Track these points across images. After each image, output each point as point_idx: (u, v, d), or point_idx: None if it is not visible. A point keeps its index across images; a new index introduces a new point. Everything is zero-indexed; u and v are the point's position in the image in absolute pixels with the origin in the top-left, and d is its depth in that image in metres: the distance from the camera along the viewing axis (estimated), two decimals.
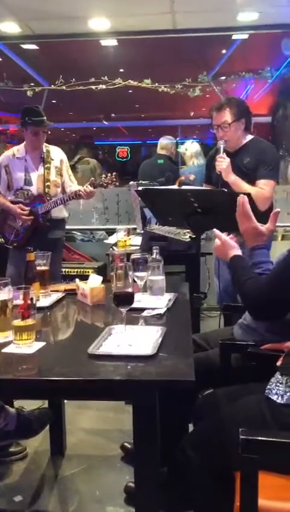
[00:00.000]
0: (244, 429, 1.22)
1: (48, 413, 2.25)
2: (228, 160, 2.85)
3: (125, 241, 3.52)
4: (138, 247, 3.37)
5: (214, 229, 2.04)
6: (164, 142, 5.06)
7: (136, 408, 1.35)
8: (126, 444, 2.40)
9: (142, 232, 3.59)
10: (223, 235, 1.97)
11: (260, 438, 1.21)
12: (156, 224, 3.46)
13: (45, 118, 3.41)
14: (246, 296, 1.75)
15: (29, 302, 1.52)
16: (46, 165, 3.48)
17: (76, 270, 4.35)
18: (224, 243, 1.94)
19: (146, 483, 1.38)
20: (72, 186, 3.55)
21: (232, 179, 2.83)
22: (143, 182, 3.93)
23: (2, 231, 3.63)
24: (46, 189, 3.45)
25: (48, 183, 3.47)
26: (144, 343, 1.51)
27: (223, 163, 2.84)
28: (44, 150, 3.51)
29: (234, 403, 1.58)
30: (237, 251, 1.88)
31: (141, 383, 1.29)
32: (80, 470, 2.30)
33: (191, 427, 1.92)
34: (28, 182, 3.48)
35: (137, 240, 3.55)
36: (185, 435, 1.87)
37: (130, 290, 1.54)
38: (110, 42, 5.03)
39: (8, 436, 2.07)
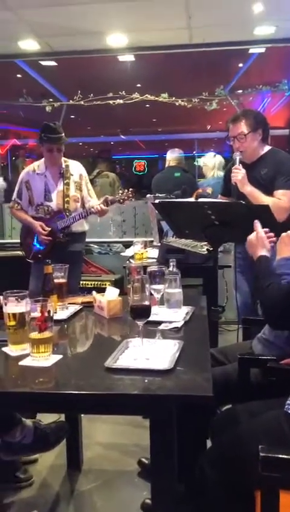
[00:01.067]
0: (263, 446, 1.19)
1: (64, 427, 2.23)
2: (243, 171, 2.84)
3: (142, 253, 3.52)
4: (155, 260, 3.37)
5: (256, 221, 1.95)
6: (174, 155, 5.06)
7: (153, 423, 1.33)
8: (143, 460, 2.37)
9: (159, 244, 3.58)
10: (261, 230, 1.89)
11: (280, 456, 1.18)
12: (173, 236, 3.45)
13: (62, 134, 3.45)
14: (265, 301, 1.72)
15: (46, 314, 1.51)
16: (66, 181, 3.52)
17: (93, 282, 4.36)
18: (259, 239, 1.88)
19: (163, 499, 1.36)
20: (91, 200, 3.59)
21: (248, 189, 2.82)
22: (160, 195, 3.94)
23: (24, 245, 3.68)
24: (66, 205, 3.49)
25: (68, 199, 3.51)
26: (161, 357, 1.50)
27: (238, 174, 2.83)
28: (63, 165, 3.55)
29: (253, 419, 1.55)
30: (266, 252, 1.84)
31: (158, 397, 1.27)
32: (96, 485, 2.27)
33: (209, 443, 1.88)
34: (47, 198, 3.53)
35: (154, 253, 3.55)
36: (203, 451, 1.84)
37: (147, 303, 1.53)
38: (128, 58, 5.09)
39: (24, 449, 2.06)
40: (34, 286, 3.42)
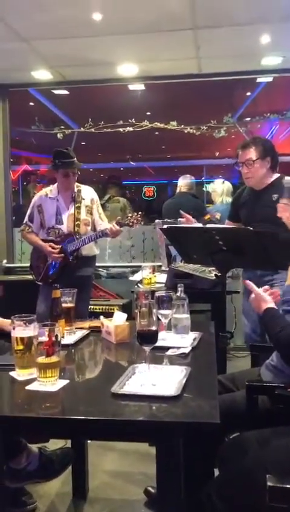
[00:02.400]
0: (271, 476, 1.17)
1: (70, 453, 2.21)
2: None
3: (150, 278, 3.53)
4: (163, 285, 3.37)
5: (247, 282, 2.01)
6: (185, 181, 5.12)
7: (160, 450, 1.31)
8: (149, 489, 2.32)
9: (167, 269, 3.59)
10: (256, 289, 1.93)
11: (289, 486, 1.16)
12: (181, 261, 3.46)
13: (75, 159, 3.53)
14: (281, 347, 1.71)
15: (54, 339, 1.52)
16: (77, 204, 3.58)
17: (101, 307, 4.36)
18: (256, 296, 1.92)
19: None
20: (102, 224, 3.63)
21: None
22: (168, 220, 3.96)
23: (34, 268, 3.71)
24: (76, 228, 3.53)
25: (78, 222, 3.55)
26: (168, 383, 1.49)
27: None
28: (75, 190, 3.61)
29: (262, 447, 1.52)
30: (269, 304, 1.85)
31: (164, 424, 1.26)
32: None
33: (216, 471, 1.84)
34: (59, 221, 3.58)
35: (162, 278, 3.55)
36: (210, 480, 1.80)
37: (153, 328, 1.54)
38: (138, 86, 5.20)
39: (29, 476, 2.03)
40: (41, 308, 3.44)
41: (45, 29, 3.64)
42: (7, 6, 3.26)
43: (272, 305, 1.84)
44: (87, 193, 3.67)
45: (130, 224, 3.48)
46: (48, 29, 3.64)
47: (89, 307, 4.12)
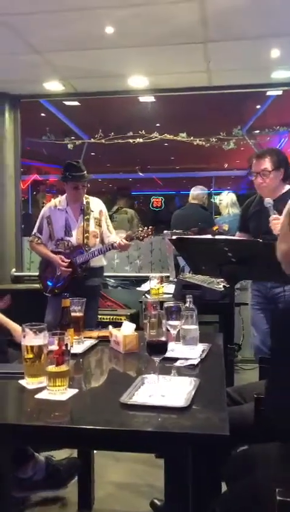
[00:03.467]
0: (281, 490, 1.16)
1: (76, 463, 2.20)
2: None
3: (158, 288, 3.53)
4: (171, 295, 3.37)
5: None
6: (196, 193, 5.15)
7: (168, 461, 1.31)
8: (156, 501, 2.30)
9: (175, 280, 3.60)
10: None
11: None
12: (189, 272, 3.46)
13: (85, 172, 3.56)
14: None
15: (64, 348, 1.53)
16: (86, 217, 3.60)
17: (109, 316, 4.36)
18: None
19: None
20: (110, 236, 3.65)
21: None
22: (177, 231, 3.98)
23: (42, 279, 3.73)
24: (85, 240, 3.56)
25: (87, 234, 3.57)
26: (177, 395, 1.49)
27: (278, 224, 2.83)
28: (84, 202, 3.63)
29: (270, 462, 1.51)
30: None
31: (173, 435, 1.26)
32: None
33: (223, 485, 1.83)
34: (68, 233, 3.60)
35: (170, 288, 3.56)
36: (217, 493, 1.79)
37: (163, 339, 1.54)
38: (148, 98, 5.25)
39: (36, 486, 2.04)
40: (49, 319, 3.44)
41: (59, 43, 3.69)
42: (22, 20, 3.32)
43: None
44: (96, 205, 3.69)
45: (140, 238, 3.49)
46: (62, 43, 3.70)
47: (97, 316, 4.13)
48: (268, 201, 2.83)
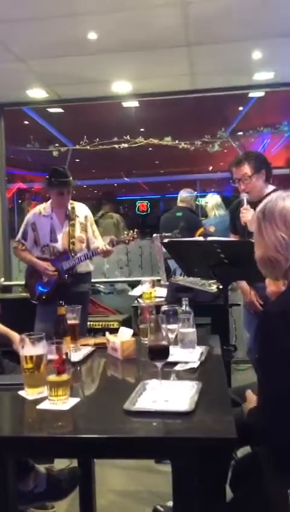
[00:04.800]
0: None
1: (77, 473, 2.17)
2: (252, 211, 2.88)
3: (150, 292, 3.51)
4: (163, 299, 3.36)
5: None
6: (183, 195, 5.18)
7: (176, 467, 1.30)
8: (158, 507, 2.28)
9: (166, 283, 3.59)
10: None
11: None
12: (180, 275, 3.46)
13: (70, 178, 3.54)
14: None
15: (64, 357, 1.51)
16: (71, 222, 3.58)
17: (101, 323, 4.34)
18: None
19: None
20: (96, 242, 3.63)
21: None
22: (166, 234, 3.98)
23: (28, 287, 3.69)
24: (71, 246, 3.53)
25: (73, 240, 3.55)
26: (180, 399, 1.47)
27: (247, 214, 2.87)
28: (69, 207, 3.61)
29: (276, 464, 1.50)
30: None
31: (182, 440, 1.25)
32: None
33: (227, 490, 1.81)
34: (53, 239, 3.57)
35: (162, 292, 3.54)
36: (222, 499, 1.77)
37: (164, 343, 1.53)
38: (132, 103, 5.26)
39: (38, 498, 2.00)
40: (40, 328, 3.40)
41: (41, 50, 3.68)
42: (4, 28, 3.30)
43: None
44: (81, 210, 3.67)
45: (126, 242, 3.50)
46: (44, 49, 3.68)
47: (89, 323, 4.10)
48: (243, 195, 2.92)
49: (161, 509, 2.27)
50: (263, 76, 4.42)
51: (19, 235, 3.70)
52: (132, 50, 3.79)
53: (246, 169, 2.94)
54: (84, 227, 3.62)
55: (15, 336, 2.24)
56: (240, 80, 4.56)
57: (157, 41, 3.62)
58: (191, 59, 4.00)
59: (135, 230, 3.56)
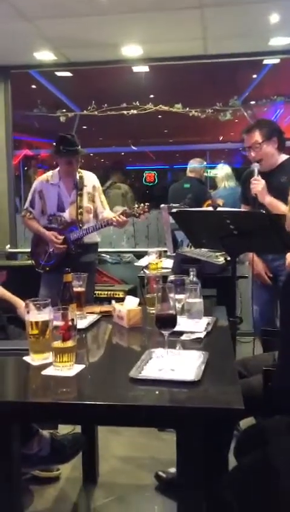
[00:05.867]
0: None
1: (81, 439, 2.20)
2: (263, 182, 2.82)
3: (156, 263, 3.48)
4: (170, 270, 3.34)
5: None
6: (193, 166, 5.08)
7: (181, 436, 1.29)
8: (160, 473, 2.32)
9: (173, 254, 3.55)
10: None
11: None
12: (187, 246, 3.42)
13: (79, 147, 3.44)
14: None
15: (70, 323, 1.49)
16: (79, 192, 3.50)
17: (106, 292, 4.33)
18: None
19: None
20: (104, 212, 3.56)
21: (268, 200, 2.80)
22: (174, 205, 3.91)
23: (34, 255, 3.66)
24: (79, 216, 3.47)
25: (81, 210, 3.48)
26: (186, 368, 1.46)
27: (258, 185, 2.81)
28: (77, 177, 3.53)
29: (282, 438, 1.49)
30: None
31: (188, 410, 1.23)
32: (113, 499, 2.22)
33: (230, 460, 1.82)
34: (60, 208, 3.51)
35: (168, 263, 3.51)
36: (224, 468, 1.78)
37: (172, 312, 1.50)
38: (142, 68, 5.10)
39: (42, 461, 2.03)
40: (44, 295, 3.39)
41: (49, 8, 3.53)
42: None
43: None
44: (89, 180, 3.58)
45: (137, 215, 3.41)
46: (52, 8, 3.53)
47: (94, 292, 4.10)
48: (254, 165, 2.86)
49: (163, 475, 2.30)
50: (280, 41, 4.24)
51: (27, 203, 3.64)
52: (143, 10, 3.62)
53: (257, 136, 2.88)
54: (92, 197, 3.55)
55: (19, 301, 2.23)
56: (255, 45, 4.38)
57: (169, 1, 3.46)
58: (205, 22, 3.84)
59: (146, 204, 3.46)
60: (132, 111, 4.93)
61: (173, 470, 2.28)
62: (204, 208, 3.12)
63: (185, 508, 1.32)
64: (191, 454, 1.28)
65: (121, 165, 6.95)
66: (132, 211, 3.41)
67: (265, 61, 5.04)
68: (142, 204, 3.44)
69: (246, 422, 2.05)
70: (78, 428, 2.34)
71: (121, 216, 3.39)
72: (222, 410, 1.22)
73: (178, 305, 1.95)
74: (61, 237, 3.44)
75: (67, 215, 3.49)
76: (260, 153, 2.89)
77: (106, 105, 4.95)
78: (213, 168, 6.26)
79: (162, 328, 1.49)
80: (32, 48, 4.36)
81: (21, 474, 1.50)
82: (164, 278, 2.50)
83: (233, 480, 1.51)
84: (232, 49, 4.47)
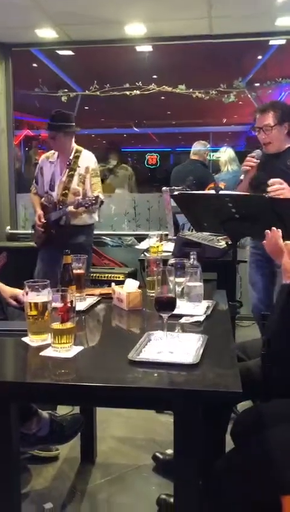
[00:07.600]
0: None
1: (80, 420, 2.21)
2: (256, 162, 2.81)
3: (157, 247, 3.47)
4: (170, 253, 3.32)
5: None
6: (197, 148, 5.03)
7: (179, 419, 1.29)
8: (158, 454, 2.34)
9: (174, 238, 3.53)
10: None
11: None
12: (189, 230, 3.40)
13: (64, 123, 3.40)
14: None
15: (69, 305, 1.48)
16: (70, 172, 3.47)
17: (106, 275, 4.32)
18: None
19: (186, 496, 1.32)
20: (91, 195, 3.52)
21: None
22: (177, 188, 3.88)
23: (34, 228, 3.74)
24: (62, 197, 3.45)
25: (66, 191, 3.46)
26: (185, 351, 1.46)
27: (250, 162, 2.82)
28: (71, 156, 3.49)
29: (280, 422, 1.50)
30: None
31: (186, 392, 1.23)
32: (110, 479, 2.25)
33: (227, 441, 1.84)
34: (51, 187, 3.54)
35: (169, 246, 3.50)
36: (221, 451, 1.80)
37: (172, 295, 1.49)
38: (146, 48, 5.01)
39: (40, 441, 2.04)
40: (38, 269, 3.52)
41: None
42: None
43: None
44: (85, 160, 3.53)
45: (86, 206, 3.33)
46: None
47: (94, 274, 4.09)
48: (257, 151, 2.86)
49: (160, 456, 2.33)
50: (286, 21, 4.15)
51: (35, 179, 3.73)
52: None
53: (270, 118, 2.85)
54: (83, 178, 3.50)
55: (14, 290, 2.16)
56: (261, 25, 4.30)
57: None
58: (210, 1, 3.75)
59: (95, 196, 3.37)
60: (134, 91, 4.86)
61: (170, 451, 2.31)
62: (206, 191, 3.08)
63: (181, 489, 1.33)
64: (189, 436, 1.29)
65: (115, 145, 6.90)
66: (83, 201, 3.32)
67: (271, 42, 4.94)
68: (90, 197, 3.36)
69: (243, 406, 2.07)
70: (76, 409, 2.35)
71: (71, 207, 3.35)
72: (220, 393, 1.22)
73: (178, 289, 1.94)
74: (44, 220, 3.50)
75: (55, 194, 3.51)
76: (270, 136, 2.87)
77: (108, 85, 4.88)
78: (216, 151, 6.20)
79: (161, 310, 1.49)
80: (33, 24, 4.28)
81: (20, 453, 1.51)
82: (165, 261, 2.49)
83: (229, 467, 1.52)
84: (238, 29, 4.38)
